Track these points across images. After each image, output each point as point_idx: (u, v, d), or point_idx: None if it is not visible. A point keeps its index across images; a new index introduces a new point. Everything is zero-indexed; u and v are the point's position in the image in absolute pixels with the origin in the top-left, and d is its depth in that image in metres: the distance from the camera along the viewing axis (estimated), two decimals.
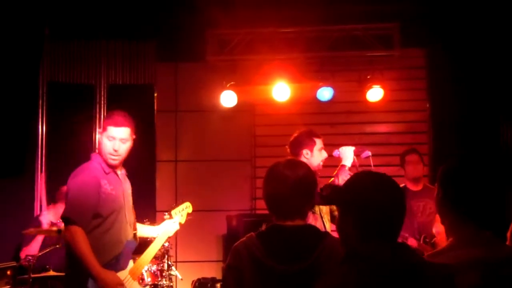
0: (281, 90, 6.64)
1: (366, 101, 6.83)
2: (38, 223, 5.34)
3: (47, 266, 4.89)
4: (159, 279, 4.96)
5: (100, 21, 6.83)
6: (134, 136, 3.69)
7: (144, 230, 4.06)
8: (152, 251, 3.89)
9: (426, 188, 5.25)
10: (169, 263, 5.12)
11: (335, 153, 4.14)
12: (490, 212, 1.99)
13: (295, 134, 4.15)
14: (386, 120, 7.27)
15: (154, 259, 4.78)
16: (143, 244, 4.08)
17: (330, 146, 4.16)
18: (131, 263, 3.69)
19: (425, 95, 7.23)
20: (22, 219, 5.68)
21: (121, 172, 3.73)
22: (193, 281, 6.48)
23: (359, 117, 7.26)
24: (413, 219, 5.06)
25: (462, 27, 6.49)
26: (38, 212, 6.54)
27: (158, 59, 7.28)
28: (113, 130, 3.58)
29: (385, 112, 7.13)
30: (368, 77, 6.80)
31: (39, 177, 6.77)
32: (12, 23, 5.79)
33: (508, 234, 2.59)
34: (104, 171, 3.58)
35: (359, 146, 4.25)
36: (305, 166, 2.42)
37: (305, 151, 4.03)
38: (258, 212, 7.15)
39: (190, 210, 4.34)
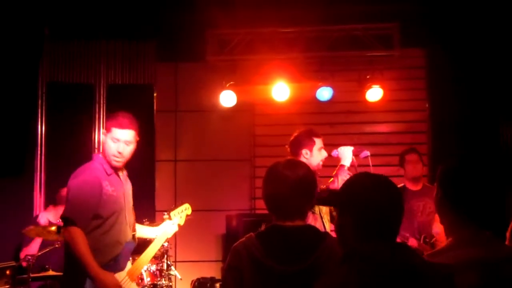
0: (280, 90, 6.64)
1: (365, 101, 6.83)
2: (36, 224, 5.34)
3: (47, 266, 4.89)
4: (159, 278, 4.97)
5: (99, 21, 6.83)
6: (137, 138, 3.67)
7: (143, 231, 4.06)
8: (150, 252, 3.89)
9: (426, 188, 5.25)
10: (169, 263, 5.13)
11: (334, 153, 4.13)
12: (489, 212, 1.99)
13: (295, 134, 4.15)
14: (386, 120, 7.27)
15: (153, 259, 4.79)
16: (142, 244, 4.07)
17: (329, 146, 4.16)
18: (129, 264, 3.68)
19: (424, 95, 7.23)
20: (22, 219, 5.67)
21: (123, 173, 3.72)
22: (192, 281, 6.48)
23: (359, 117, 7.26)
24: (413, 219, 5.06)
25: (462, 27, 6.49)
26: (37, 212, 6.54)
27: (158, 59, 7.27)
28: (117, 132, 3.55)
29: (384, 112, 7.13)
30: (368, 77, 6.80)
31: (38, 177, 6.78)
32: (12, 23, 5.79)
33: (508, 234, 2.59)
34: (106, 172, 3.56)
35: (358, 146, 4.25)
36: (304, 166, 2.42)
37: (305, 151, 4.02)
38: (257, 212, 7.15)
39: (189, 211, 4.33)
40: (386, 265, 1.71)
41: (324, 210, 3.97)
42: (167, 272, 5.06)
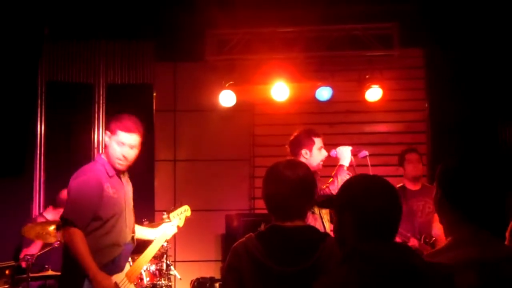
0: (280, 90, 6.64)
1: (365, 101, 6.83)
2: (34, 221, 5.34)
3: (46, 266, 4.89)
4: (158, 278, 4.96)
5: (99, 21, 6.83)
6: (142, 141, 3.67)
7: (142, 232, 4.04)
8: (149, 254, 3.88)
9: (425, 188, 5.25)
10: (168, 262, 5.12)
11: (332, 153, 4.13)
12: (489, 212, 1.99)
13: (294, 134, 4.15)
14: (385, 119, 7.27)
15: (153, 259, 4.78)
16: (142, 244, 4.07)
17: (328, 146, 4.16)
18: (127, 266, 3.68)
19: (424, 95, 7.24)
20: (21, 219, 5.67)
21: (124, 175, 3.71)
22: (192, 281, 6.48)
23: (358, 116, 7.26)
24: (414, 219, 5.05)
25: (461, 28, 6.49)
26: (36, 212, 6.54)
27: (157, 59, 7.27)
28: (123, 136, 3.52)
29: (384, 111, 7.13)
30: (367, 76, 6.80)
31: (37, 176, 6.77)
32: (12, 22, 5.79)
33: (508, 234, 2.59)
34: (108, 174, 3.54)
35: (356, 146, 4.25)
36: (304, 166, 2.43)
37: (304, 151, 4.02)
38: (257, 211, 7.15)
39: (188, 213, 4.32)
40: (386, 265, 1.71)
41: (324, 210, 3.97)
42: (166, 272, 5.06)
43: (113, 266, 3.50)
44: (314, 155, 4.02)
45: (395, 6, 6.58)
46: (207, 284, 6.40)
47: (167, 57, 7.32)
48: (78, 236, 3.32)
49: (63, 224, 3.41)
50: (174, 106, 7.47)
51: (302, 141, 4.06)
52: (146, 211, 6.19)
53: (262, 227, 2.40)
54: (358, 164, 4.12)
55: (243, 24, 6.67)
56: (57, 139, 6.90)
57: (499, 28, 6.26)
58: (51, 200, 5.84)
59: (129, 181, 3.76)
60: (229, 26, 6.65)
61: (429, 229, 4.97)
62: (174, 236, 4.19)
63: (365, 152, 4.16)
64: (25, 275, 4.65)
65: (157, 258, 4.99)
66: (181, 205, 4.35)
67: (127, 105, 6.99)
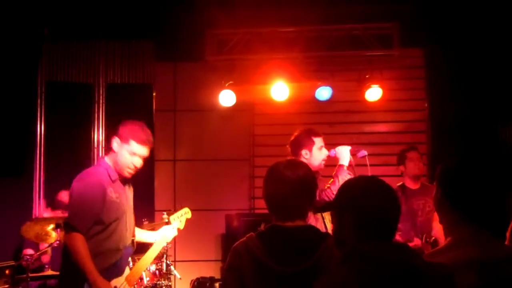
0: (280, 90, 6.64)
1: (364, 101, 6.83)
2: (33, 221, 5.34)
3: (46, 266, 4.88)
4: (158, 278, 4.96)
5: (99, 20, 6.83)
6: None
7: (142, 235, 4.03)
8: (149, 257, 3.87)
9: (424, 186, 5.25)
10: (168, 262, 5.12)
11: (331, 153, 4.12)
12: (489, 212, 1.99)
13: (294, 134, 4.14)
14: (385, 119, 7.27)
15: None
16: (141, 245, 4.07)
17: (328, 146, 4.16)
18: (127, 270, 3.68)
19: (423, 95, 7.24)
20: (21, 219, 5.67)
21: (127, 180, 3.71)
22: (191, 281, 6.48)
23: (358, 116, 7.26)
24: (415, 218, 5.05)
25: (461, 28, 6.49)
26: (36, 213, 6.54)
27: (157, 59, 7.27)
28: (136, 147, 3.52)
29: (383, 111, 7.13)
30: (367, 76, 6.80)
31: (37, 176, 6.77)
32: (12, 23, 5.79)
33: (508, 234, 2.58)
34: (111, 178, 3.53)
35: (355, 146, 4.24)
36: (305, 166, 2.43)
37: (304, 151, 4.01)
38: (257, 211, 7.16)
39: (189, 215, 4.31)
40: (386, 265, 1.71)
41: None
42: (166, 272, 5.05)
43: (114, 270, 3.50)
44: (314, 155, 4.01)
45: (395, 6, 6.58)
46: (207, 284, 6.41)
47: (167, 57, 7.32)
48: (79, 241, 3.32)
49: (66, 228, 3.41)
50: (174, 106, 7.47)
51: (302, 141, 4.06)
52: (146, 211, 6.19)
53: (262, 227, 2.40)
54: (357, 164, 4.12)
55: (243, 24, 6.66)
56: (57, 139, 6.90)
57: (499, 28, 6.26)
58: (51, 201, 5.84)
59: (130, 186, 3.75)
60: (229, 26, 6.65)
61: (429, 228, 4.96)
62: (174, 236, 4.19)
63: (364, 152, 4.14)
64: (24, 275, 4.65)
65: (157, 258, 4.98)
66: (181, 208, 4.33)
67: (126, 105, 7.00)
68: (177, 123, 7.45)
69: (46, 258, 5.06)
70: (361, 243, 1.79)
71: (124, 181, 3.66)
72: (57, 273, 4.35)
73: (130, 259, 3.81)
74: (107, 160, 3.59)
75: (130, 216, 3.68)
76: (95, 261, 3.33)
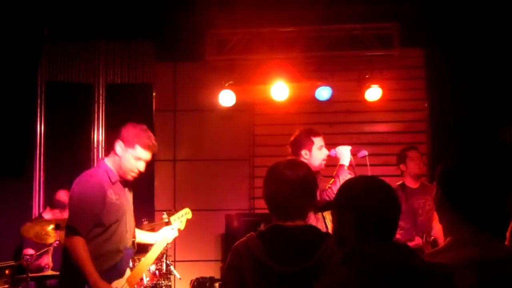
0: (279, 90, 6.64)
1: (364, 101, 6.83)
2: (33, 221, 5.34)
3: (46, 266, 4.88)
4: (158, 278, 4.96)
5: (99, 20, 6.83)
6: None
7: (142, 236, 4.03)
8: (150, 258, 3.88)
9: (424, 186, 5.25)
10: (168, 262, 5.12)
11: (332, 152, 4.11)
12: (489, 212, 1.99)
13: (294, 135, 4.14)
14: (385, 119, 7.27)
15: None
16: (141, 246, 4.06)
17: (328, 146, 4.15)
18: (128, 271, 3.68)
19: (423, 95, 7.24)
20: (21, 219, 5.67)
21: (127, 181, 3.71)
22: (191, 281, 6.48)
23: (358, 116, 7.26)
24: (416, 217, 5.05)
25: (461, 28, 6.49)
26: (36, 213, 6.54)
27: (157, 59, 7.27)
28: (142, 152, 3.55)
29: (383, 111, 7.13)
30: (367, 76, 6.80)
31: (37, 176, 6.78)
32: (12, 23, 5.79)
33: (508, 234, 2.58)
34: (111, 180, 3.53)
35: (355, 146, 4.23)
36: (305, 166, 2.43)
37: (304, 152, 4.01)
38: (256, 211, 7.15)
39: (189, 216, 4.30)
40: (386, 265, 1.71)
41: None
42: (166, 272, 5.05)
43: (114, 272, 3.50)
44: (314, 154, 4.00)
45: (395, 6, 6.58)
46: (207, 284, 6.41)
47: (167, 57, 7.32)
48: (80, 244, 3.32)
49: (67, 231, 3.40)
50: (174, 106, 7.47)
51: (301, 141, 4.05)
52: (146, 211, 6.19)
53: (262, 226, 2.40)
54: (358, 163, 4.11)
55: (243, 24, 6.66)
56: (57, 139, 6.90)
57: (499, 28, 6.26)
58: (50, 201, 5.84)
59: (130, 189, 3.75)
60: (229, 26, 6.65)
61: (430, 227, 4.97)
62: (175, 237, 4.18)
63: (365, 152, 4.14)
64: (24, 275, 4.65)
65: (157, 258, 4.99)
66: (181, 208, 4.33)
67: (127, 105, 7.01)
68: (177, 123, 7.45)
69: (45, 260, 5.05)
70: (361, 243, 1.79)
71: (124, 182, 3.66)
72: (57, 273, 4.37)
73: (130, 260, 3.80)
74: (107, 162, 3.59)
75: (130, 218, 3.68)
76: (95, 263, 3.33)
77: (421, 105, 7.24)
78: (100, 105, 7.16)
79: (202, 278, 6.51)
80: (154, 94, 7.33)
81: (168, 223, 4.26)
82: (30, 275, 4.64)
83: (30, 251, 5.15)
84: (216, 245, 7.23)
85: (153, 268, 4.93)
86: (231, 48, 6.72)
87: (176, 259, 6.90)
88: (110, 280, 3.42)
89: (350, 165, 4.03)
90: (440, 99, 6.95)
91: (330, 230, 3.75)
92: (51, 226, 4.71)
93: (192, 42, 6.83)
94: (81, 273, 3.28)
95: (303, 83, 6.82)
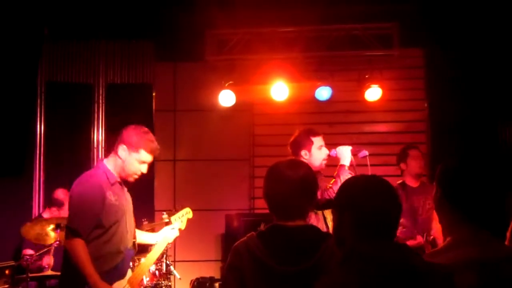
0: (279, 90, 6.64)
1: (364, 101, 6.83)
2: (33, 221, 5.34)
3: (47, 266, 4.88)
4: (158, 278, 4.96)
5: (98, 21, 6.83)
6: None
7: (143, 237, 4.03)
8: (151, 258, 3.87)
9: (424, 185, 5.26)
10: (168, 262, 5.12)
11: (332, 152, 4.11)
12: (489, 212, 1.99)
13: (294, 135, 4.14)
14: (385, 119, 7.27)
15: None
16: (142, 246, 4.06)
17: (328, 146, 4.15)
18: (129, 272, 3.67)
19: (423, 95, 7.24)
20: (21, 219, 5.68)
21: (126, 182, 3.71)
22: (191, 281, 6.48)
23: (358, 116, 7.26)
24: (417, 216, 5.06)
25: (461, 28, 6.50)
26: (36, 213, 6.54)
27: (157, 59, 7.27)
28: (146, 156, 3.57)
29: (383, 111, 7.13)
30: (367, 76, 6.80)
31: (37, 176, 6.78)
32: (12, 23, 5.79)
33: (508, 234, 2.58)
34: (109, 181, 3.53)
35: (356, 146, 4.23)
36: (305, 166, 2.42)
37: (303, 152, 4.01)
38: (257, 211, 7.16)
39: (190, 215, 4.30)
40: (386, 265, 1.71)
41: (327, 210, 3.95)
42: (166, 272, 5.05)
43: (115, 273, 3.49)
44: (314, 154, 4.00)
45: (395, 6, 6.58)
46: (207, 284, 6.41)
47: (167, 57, 7.32)
48: (80, 246, 3.32)
49: (67, 233, 3.40)
50: (174, 106, 7.47)
51: (301, 142, 4.05)
52: (146, 211, 6.20)
53: (262, 226, 2.40)
54: (358, 164, 4.12)
55: (243, 24, 6.67)
56: (57, 139, 6.90)
57: (499, 28, 6.26)
58: (50, 201, 5.85)
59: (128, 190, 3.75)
60: (229, 26, 6.65)
61: (430, 226, 4.97)
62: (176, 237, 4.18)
63: (365, 152, 4.14)
64: (24, 275, 4.65)
65: (157, 258, 4.99)
66: (182, 208, 4.33)
67: (127, 105, 7.01)
68: (177, 123, 7.45)
69: (46, 260, 5.05)
70: (361, 242, 1.78)
71: (124, 183, 3.66)
72: (57, 273, 4.37)
73: (131, 261, 3.80)
74: (106, 163, 3.59)
75: (130, 218, 3.68)
76: (96, 264, 3.32)
77: (421, 105, 7.24)
78: (100, 105, 7.16)
79: (202, 278, 6.51)
80: (154, 94, 7.33)
81: (168, 223, 4.26)
82: (30, 275, 4.64)
83: (29, 251, 5.15)
84: (216, 245, 7.23)
85: (153, 268, 4.93)
86: (231, 48, 6.73)
87: (176, 259, 6.90)
88: (111, 282, 3.41)
89: (351, 165, 4.03)
90: (440, 99, 6.95)
91: (330, 230, 3.75)
92: (51, 226, 4.72)
93: (192, 42, 6.83)
94: (81, 275, 3.28)
95: (303, 83, 6.82)
